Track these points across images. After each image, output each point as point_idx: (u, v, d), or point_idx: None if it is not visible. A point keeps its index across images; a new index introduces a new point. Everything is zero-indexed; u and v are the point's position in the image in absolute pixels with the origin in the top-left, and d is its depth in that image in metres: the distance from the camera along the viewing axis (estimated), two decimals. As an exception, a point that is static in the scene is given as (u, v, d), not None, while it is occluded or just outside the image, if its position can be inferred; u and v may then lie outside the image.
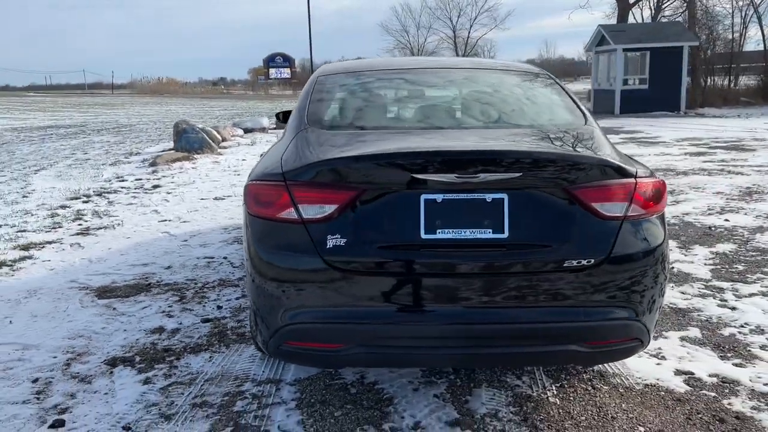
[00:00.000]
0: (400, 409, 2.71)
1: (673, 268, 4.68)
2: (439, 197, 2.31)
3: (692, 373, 3.02)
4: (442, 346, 2.37)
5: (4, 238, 5.79)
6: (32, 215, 6.83)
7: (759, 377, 2.97)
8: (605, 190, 2.37)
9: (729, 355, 3.22)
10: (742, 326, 3.58)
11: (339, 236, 2.31)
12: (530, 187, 2.33)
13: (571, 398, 2.79)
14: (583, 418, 2.63)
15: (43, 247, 5.50)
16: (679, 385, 2.90)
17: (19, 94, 69.45)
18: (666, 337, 3.44)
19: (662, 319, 3.68)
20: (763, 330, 3.52)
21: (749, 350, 3.26)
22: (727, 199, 7.11)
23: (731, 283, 4.30)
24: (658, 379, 2.96)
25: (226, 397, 2.85)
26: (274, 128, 19.74)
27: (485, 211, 2.31)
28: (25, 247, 5.47)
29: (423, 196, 2.30)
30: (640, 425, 2.58)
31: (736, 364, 3.11)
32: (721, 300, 4.00)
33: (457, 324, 2.32)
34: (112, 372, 3.11)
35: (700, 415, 2.65)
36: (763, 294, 4.08)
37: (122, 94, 66.82)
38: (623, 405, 2.73)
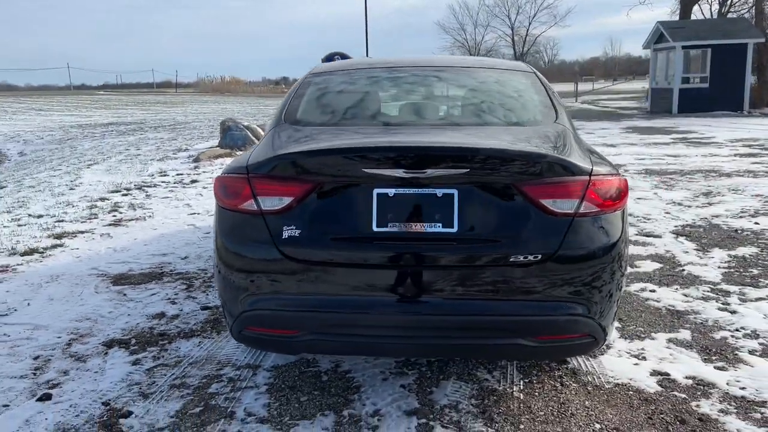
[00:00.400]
0: (365, 397, 2.79)
1: (683, 270, 4.58)
2: (391, 191, 2.38)
3: (668, 375, 2.98)
4: (392, 336, 2.44)
5: (42, 227, 6.16)
6: (73, 206, 7.22)
7: (737, 381, 2.91)
8: (555, 187, 2.39)
9: (713, 358, 3.16)
10: (737, 330, 3.50)
11: (294, 228, 2.41)
12: (480, 183, 2.37)
13: (536, 394, 2.81)
14: (542, 413, 2.65)
15: (75, 236, 5.82)
16: (650, 386, 2.88)
17: (91, 92, 72.53)
18: (653, 338, 3.40)
19: (654, 321, 3.64)
20: (758, 334, 3.43)
21: (736, 354, 3.19)
22: (764, 202, 6.86)
23: (740, 287, 4.19)
24: (630, 379, 2.94)
25: (204, 379, 2.99)
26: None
27: (436, 205, 2.37)
28: (59, 236, 5.80)
29: (375, 191, 2.38)
30: (597, 422, 2.58)
31: (717, 367, 3.06)
32: (723, 303, 3.91)
33: (406, 315, 2.38)
34: (107, 353, 3.31)
35: (662, 416, 2.63)
36: (771, 299, 3.96)
37: (185, 92, 68.84)
38: (586, 402, 2.73)
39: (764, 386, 2.86)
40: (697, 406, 2.71)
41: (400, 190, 2.38)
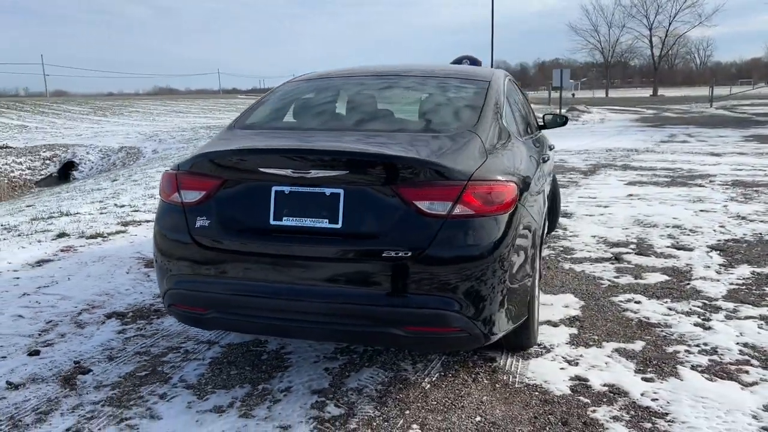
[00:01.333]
0: (286, 375, 3.09)
1: (688, 284, 4.45)
2: (287, 189, 2.67)
3: (586, 381, 3.02)
4: (283, 319, 2.71)
5: (118, 216, 6.99)
6: (154, 199, 8.06)
7: (654, 392, 2.90)
8: (428, 189, 2.56)
9: (648, 369, 3.14)
10: (697, 346, 3.41)
11: (205, 218, 2.77)
12: (363, 183, 2.60)
13: (442, 386, 2.97)
14: (435, 402, 2.81)
15: (140, 224, 6.57)
16: (560, 389, 2.94)
17: (233, 96, 77.67)
18: (601, 347, 3.41)
19: (616, 331, 3.62)
20: (715, 351, 3.34)
21: (675, 368, 3.14)
22: (840, 219, 6.32)
23: (737, 304, 4.02)
24: (545, 381, 3.01)
25: (165, 350, 3.43)
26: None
27: (324, 203, 2.62)
28: (126, 224, 6.57)
29: (274, 188, 2.68)
30: (479, 416, 2.71)
31: (644, 378, 3.04)
32: (703, 319, 3.79)
33: (295, 301, 2.65)
34: (104, 322, 3.84)
35: (549, 416, 2.70)
36: (762, 318, 3.79)
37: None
38: (484, 398, 2.86)
39: (677, 399, 2.83)
40: (593, 411, 2.74)
41: (295, 188, 2.66)
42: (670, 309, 3.97)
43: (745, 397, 2.84)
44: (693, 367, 3.15)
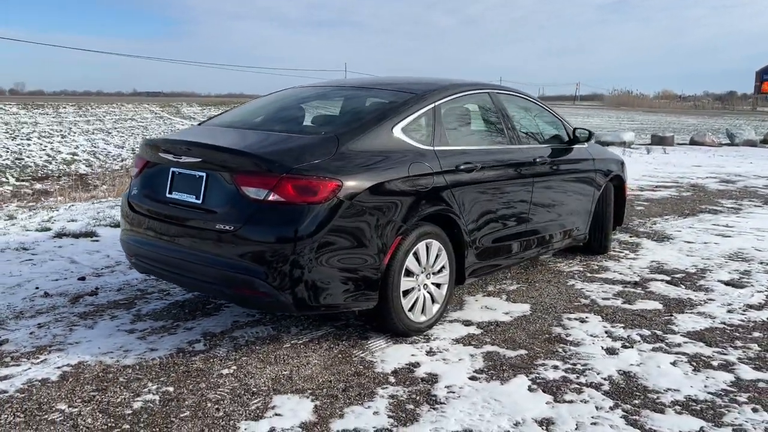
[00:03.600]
0: (203, 321, 3.92)
1: (669, 316, 4.24)
2: (177, 170, 3.52)
3: (416, 365, 3.35)
4: (169, 269, 3.54)
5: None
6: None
7: (454, 392, 3.13)
8: (253, 178, 3.19)
9: (482, 371, 3.33)
10: (573, 366, 3.46)
11: (136, 188, 3.75)
12: (216, 169, 3.33)
13: (299, 346, 3.54)
14: (277, 357, 3.42)
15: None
16: (385, 369, 3.32)
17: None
18: (480, 347, 3.63)
19: (513, 339, 3.77)
20: (582, 371, 3.36)
21: (502, 369, 3.29)
22: None
23: (657, 343, 3.81)
24: (382, 360, 3.41)
25: (154, 290, 4.51)
26: (644, 144, 19.13)
27: (194, 183, 3.42)
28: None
29: (172, 169, 3.55)
30: (292, 370, 3.26)
31: (472, 378, 3.27)
32: (625, 342, 3.71)
33: (173, 257, 3.48)
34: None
35: (354, 386, 3.15)
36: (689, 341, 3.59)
37: (582, 105, 69.55)
38: (315, 360, 3.38)
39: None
40: (383, 388, 3.11)
41: (181, 170, 3.49)
42: (605, 332, 3.90)
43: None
44: (511, 367, 3.24)
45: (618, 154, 6.30)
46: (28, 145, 20.14)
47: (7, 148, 20.09)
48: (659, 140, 19.13)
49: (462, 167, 3.88)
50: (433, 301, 3.82)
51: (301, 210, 3.13)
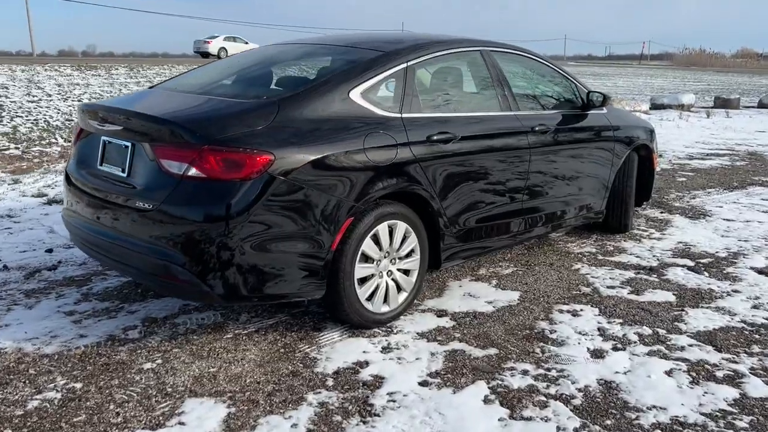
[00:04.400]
0: (149, 304, 3.61)
1: (681, 311, 3.69)
2: (108, 140, 3.16)
3: (365, 364, 2.95)
4: (98, 251, 3.20)
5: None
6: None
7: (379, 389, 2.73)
8: (171, 150, 2.79)
9: (434, 376, 2.91)
10: (544, 376, 2.99)
11: (72, 159, 3.42)
12: (138, 139, 2.95)
13: (243, 336, 3.19)
14: (213, 347, 3.08)
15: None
16: (330, 367, 2.94)
17: (585, 62, 76.18)
18: (442, 343, 3.21)
19: (486, 334, 3.32)
20: (560, 379, 2.89)
21: (461, 371, 2.86)
22: None
23: (645, 347, 3.28)
24: (328, 358, 3.03)
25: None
26: (705, 107, 17.85)
27: (122, 154, 3.06)
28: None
29: (102, 138, 3.20)
30: (226, 360, 2.91)
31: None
32: (616, 343, 3.21)
33: (102, 238, 3.13)
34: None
35: (286, 383, 2.78)
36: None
37: (648, 65, 66.30)
38: (253, 353, 3.02)
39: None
40: (315, 392, 2.73)
41: (111, 139, 3.13)
42: (597, 329, 3.40)
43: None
44: (473, 370, 2.80)
45: (646, 120, 5.61)
46: (78, 106, 20.45)
47: (59, 109, 20.47)
48: (723, 103, 17.77)
49: (436, 138, 3.39)
50: (400, 289, 3.39)
51: (225, 188, 2.73)
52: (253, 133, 2.81)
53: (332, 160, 2.94)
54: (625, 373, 2.93)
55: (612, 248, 4.80)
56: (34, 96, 16.94)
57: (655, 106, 16.21)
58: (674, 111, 15.89)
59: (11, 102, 14.52)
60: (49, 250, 4.47)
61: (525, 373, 2.91)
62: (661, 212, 5.96)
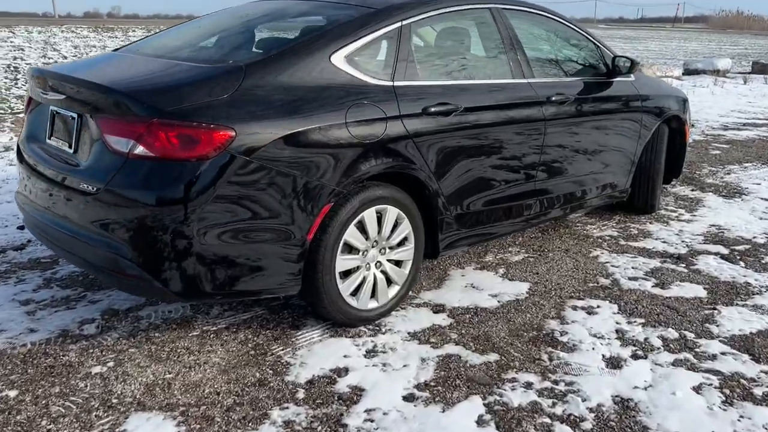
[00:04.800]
0: (105, 297, 3.24)
1: (712, 309, 3.25)
2: (56, 110, 2.76)
3: (341, 372, 2.58)
4: (48, 238, 2.82)
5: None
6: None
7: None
8: (115, 123, 2.39)
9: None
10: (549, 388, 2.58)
11: (23, 131, 3.04)
12: (85, 110, 2.55)
13: (212, 331, 2.83)
14: (177, 344, 2.73)
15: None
16: (304, 375, 2.57)
17: (615, 26, 73.92)
18: (437, 347, 2.81)
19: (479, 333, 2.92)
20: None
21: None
22: None
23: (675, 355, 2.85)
24: (302, 362, 2.66)
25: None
26: (742, 72, 16.94)
27: (69, 126, 2.66)
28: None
29: (51, 108, 2.80)
30: (184, 359, 2.56)
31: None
32: (638, 353, 2.79)
33: (50, 224, 2.73)
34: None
35: (244, 380, 2.42)
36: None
37: (682, 28, 64.09)
38: (218, 350, 2.66)
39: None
40: (275, 407, 2.36)
41: (59, 110, 2.73)
42: (615, 331, 2.97)
43: None
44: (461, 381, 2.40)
45: (678, 88, 5.05)
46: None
47: (74, 72, 20.29)
48: (761, 68, 16.83)
49: (434, 110, 2.94)
50: (390, 282, 2.98)
51: (176, 169, 2.33)
52: (211, 105, 2.39)
53: (307, 136, 2.52)
54: (645, 388, 2.52)
55: (636, 232, 4.33)
56: (49, 58, 16.64)
57: (689, 72, 15.38)
58: (709, 77, 15.07)
59: (26, 64, 14.22)
60: (21, 227, 4.13)
61: (528, 386, 2.51)
62: (692, 190, 5.45)
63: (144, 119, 2.32)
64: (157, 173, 2.34)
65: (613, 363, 2.70)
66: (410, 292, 3.18)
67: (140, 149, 2.33)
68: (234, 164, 2.36)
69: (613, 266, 3.73)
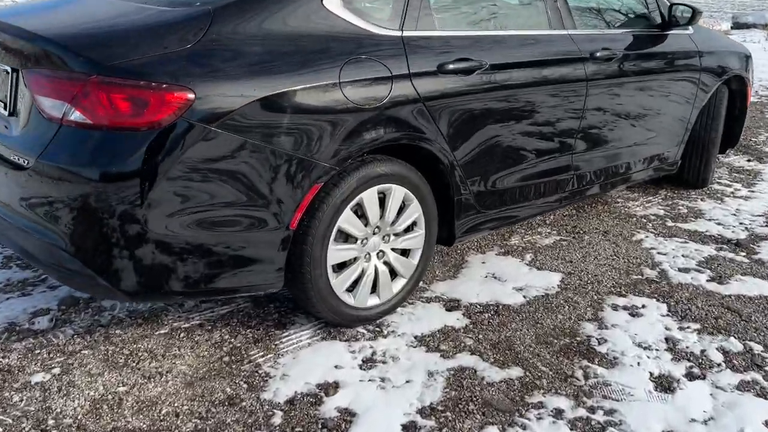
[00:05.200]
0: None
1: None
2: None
3: (325, 387, 2.12)
4: None
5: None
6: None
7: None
8: (47, 82, 1.92)
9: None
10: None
11: None
12: (19, 64, 2.07)
13: (183, 329, 2.40)
14: (133, 340, 2.31)
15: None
16: (283, 393, 2.13)
17: None
18: (448, 357, 2.34)
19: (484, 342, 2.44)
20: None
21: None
22: None
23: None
24: (286, 375, 2.22)
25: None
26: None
27: (4, 82, 2.17)
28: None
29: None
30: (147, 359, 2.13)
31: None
32: (694, 371, 2.29)
33: None
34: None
35: (212, 381, 1.99)
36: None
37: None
38: (186, 349, 2.23)
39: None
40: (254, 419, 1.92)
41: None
42: (664, 339, 2.46)
43: None
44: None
45: (741, 43, 4.38)
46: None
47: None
48: (817, 22, 15.62)
49: (452, 67, 2.40)
50: (395, 275, 2.50)
51: (118, 140, 1.85)
52: (166, 58, 1.89)
53: (289, 99, 2.01)
54: (705, 422, 2.03)
55: (686, 210, 3.77)
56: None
57: (738, 26, 14.31)
58: (760, 31, 14.00)
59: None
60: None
61: (558, 414, 2.03)
62: (749, 160, 4.82)
63: (80, 77, 1.83)
64: (96, 144, 1.87)
65: (664, 385, 2.20)
66: (420, 283, 2.70)
67: (76, 115, 1.86)
68: (193, 134, 1.87)
69: (660, 253, 3.19)
